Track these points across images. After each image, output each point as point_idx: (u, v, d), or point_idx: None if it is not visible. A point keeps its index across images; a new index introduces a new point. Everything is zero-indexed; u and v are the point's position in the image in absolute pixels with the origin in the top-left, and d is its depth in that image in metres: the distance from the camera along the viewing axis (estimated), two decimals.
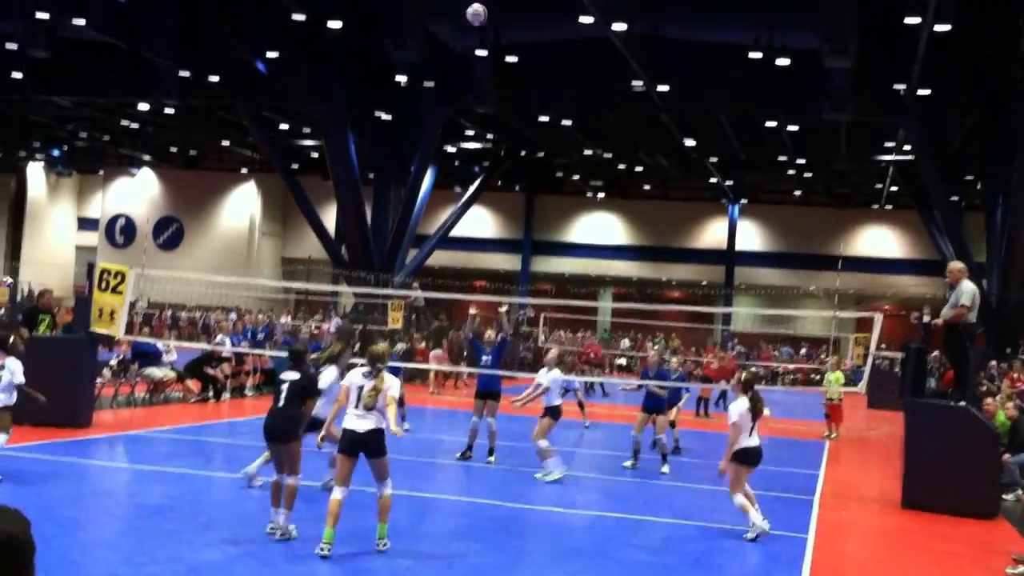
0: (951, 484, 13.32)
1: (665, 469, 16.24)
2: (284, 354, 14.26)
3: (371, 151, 42.14)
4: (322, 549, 9.34)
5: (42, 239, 59.28)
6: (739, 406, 11.64)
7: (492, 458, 15.79)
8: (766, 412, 11.77)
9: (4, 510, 2.46)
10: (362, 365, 10.24)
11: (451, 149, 46.11)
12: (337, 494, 9.56)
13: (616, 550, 10.66)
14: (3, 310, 37.14)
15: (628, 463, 16.55)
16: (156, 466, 14.11)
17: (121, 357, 21.47)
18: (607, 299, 54.18)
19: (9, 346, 12.94)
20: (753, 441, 11.64)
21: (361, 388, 9.66)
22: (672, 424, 18.76)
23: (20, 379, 12.25)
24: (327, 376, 11.85)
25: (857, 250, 52.36)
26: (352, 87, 36.02)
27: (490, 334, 17.50)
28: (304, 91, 36.31)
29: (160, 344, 22.32)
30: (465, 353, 30.60)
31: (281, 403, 10.14)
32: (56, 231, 60.58)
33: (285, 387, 10.17)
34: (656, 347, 42.09)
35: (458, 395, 28.81)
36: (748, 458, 11.64)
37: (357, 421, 9.57)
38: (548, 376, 15.12)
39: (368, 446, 9.58)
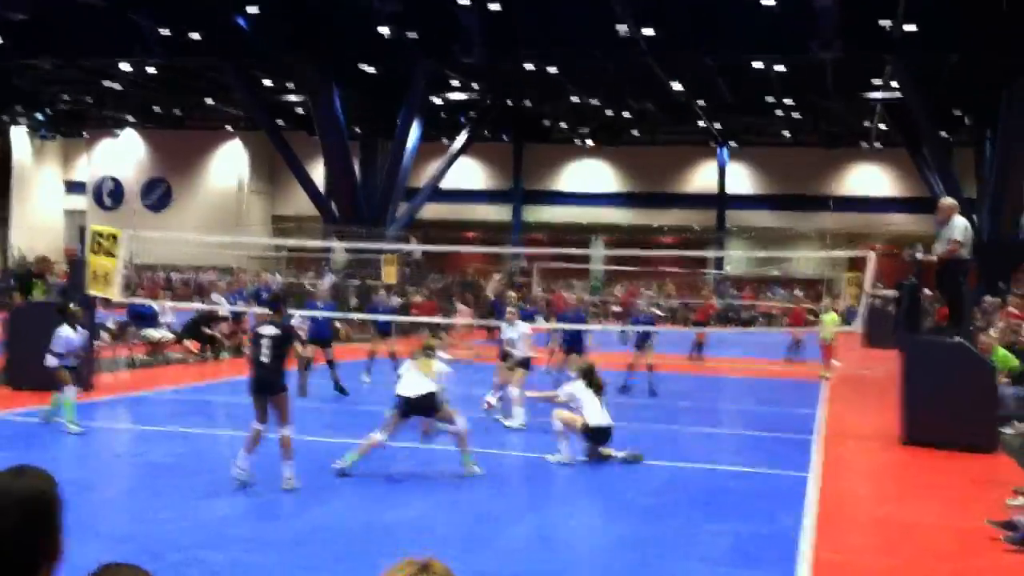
0: (949, 419, 13.42)
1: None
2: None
3: (357, 105, 41.88)
4: (343, 463, 10.84)
5: (29, 203, 58.95)
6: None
7: None
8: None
9: (31, 468, 2.50)
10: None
11: (437, 100, 45.81)
12: (377, 436, 10.97)
13: (620, 493, 10.78)
14: None
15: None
16: (160, 426, 14.21)
17: (118, 320, 21.50)
18: (599, 247, 54.16)
19: (68, 313, 13.85)
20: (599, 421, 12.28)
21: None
22: (650, 367, 19.17)
23: (54, 346, 13.38)
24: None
25: (848, 190, 52.41)
26: (335, 41, 35.70)
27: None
28: (287, 47, 35.96)
29: (155, 305, 22.35)
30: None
31: (265, 358, 10.36)
32: (43, 195, 60.25)
33: (265, 342, 10.40)
34: (649, 292, 42.26)
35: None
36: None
37: (410, 389, 10.95)
38: (515, 329, 15.96)
39: (422, 408, 10.99)
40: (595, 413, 12.26)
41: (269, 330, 10.53)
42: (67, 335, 13.46)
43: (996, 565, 8.42)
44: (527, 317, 18.45)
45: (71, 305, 14.28)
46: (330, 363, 17.87)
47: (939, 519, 10.05)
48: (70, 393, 13.30)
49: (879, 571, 8.34)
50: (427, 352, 11.34)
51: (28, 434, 13.11)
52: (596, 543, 8.83)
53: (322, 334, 18.37)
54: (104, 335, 20.27)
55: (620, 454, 12.30)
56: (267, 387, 10.41)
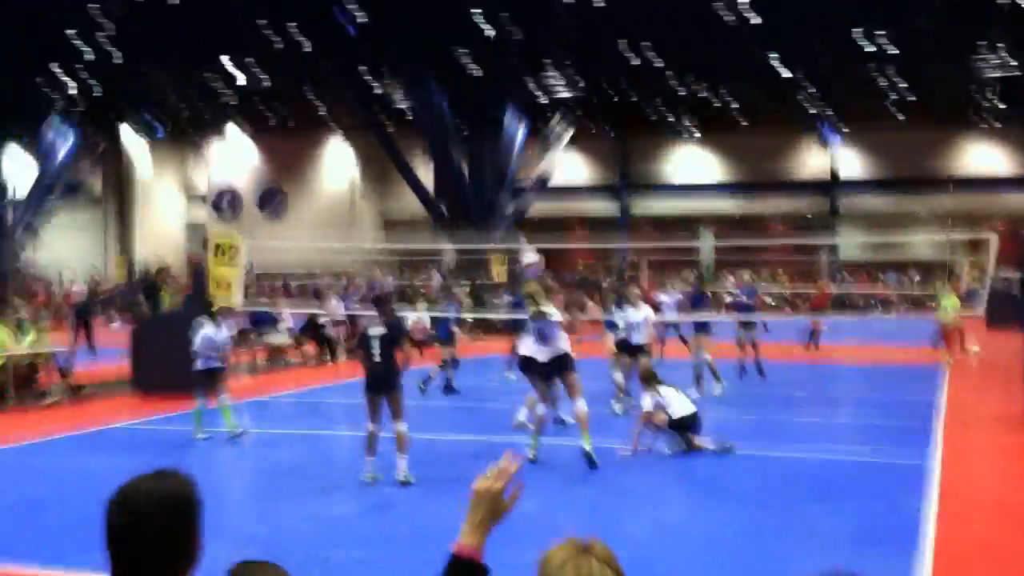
0: None
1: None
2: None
3: (463, 105, 42.21)
4: (529, 453, 11.20)
5: (150, 216, 60.68)
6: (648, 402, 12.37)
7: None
8: None
9: (174, 472, 2.61)
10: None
11: (542, 99, 45.89)
12: (540, 410, 11.60)
13: (736, 483, 10.72)
14: (123, 284, 38.38)
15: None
16: (282, 428, 14.56)
17: (239, 327, 22.07)
18: (708, 237, 53.56)
19: (214, 312, 13.99)
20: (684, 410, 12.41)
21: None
22: (753, 346, 19.20)
23: (196, 347, 13.32)
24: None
25: (965, 170, 50.87)
26: (440, 43, 36.08)
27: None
28: (393, 52, 36.45)
29: (277, 310, 22.88)
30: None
31: (377, 358, 10.70)
32: (163, 206, 61.90)
33: (376, 342, 10.73)
34: (745, 277, 41.74)
35: None
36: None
37: (538, 352, 11.42)
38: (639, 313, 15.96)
39: (558, 368, 11.39)
40: (678, 405, 12.38)
41: (377, 330, 10.81)
42: (206, 332, 13.49)
43: None
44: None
45: (216, 305, 14.57)
46: (454, 362, 18.20)
47: None
48: (200, 403, 13.41)
49: (1003, 556, 8.16)
50: (536, 300, 11.65)
51: (157, 440, 13.57)
52: (714, 533, 8.79)
53: (442, 334, 18.78)
54: None
55: (711, 446, 12.25)
56: (381, 385, 10.71)
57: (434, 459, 11.85)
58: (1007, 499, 9.95)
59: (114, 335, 26.30)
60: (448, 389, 17.93)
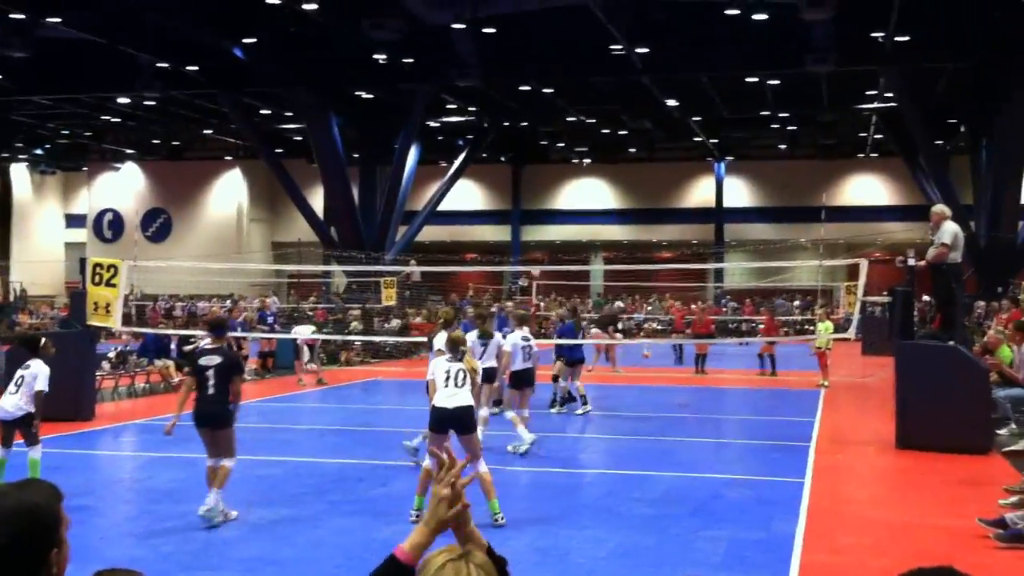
0: (944, 422, 13.49)
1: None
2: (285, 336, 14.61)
3: (355, 131, 42.12)
4: (412, 516, 9.67)
5: (30, 238, 59.20)
6: (513, 338, 14.30)
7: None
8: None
9: (34, 482, 2.56)
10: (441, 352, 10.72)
11: (435, 124, 46.05)
12: (428, 463, 9.54)
13: (618, 504, 10.89)
14: None
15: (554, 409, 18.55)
16: (162, 452, 14.27)
17: (119, 350, 21.64)
18: (598, 263, 54.29)
19: (40, 348, 11.48)
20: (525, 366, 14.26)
21: (448, 371, 9.81)
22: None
23: (43, 386, 10.97)
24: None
25: (845, 199, 52.53)
26: (332, 68, 35.94)
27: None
28: (284, 76, 36.17)
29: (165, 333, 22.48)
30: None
31: (210, 390, 9.94)
32: (44, 229, 60.50)
33: (210, 372, 9.93)
34: (649, 307, 42.38)
35: None
36: (521, 381, 14.27)
37: (448, 399, 9.69)
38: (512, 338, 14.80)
39: (459, 423, 9.71)
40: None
41: (213, 359, 10.05)
42: (45, 372, 11.09)
43: (985, 562, 8.52)
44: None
45: (42, 340, 11.84)
46: None
47: (932, 520, 10.17)
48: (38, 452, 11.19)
49: (870, 571, 8.45)
50: (459, 348, 10.12)
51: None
52: (593, 554, 8.92)
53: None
54: (105, 365, 20.42)
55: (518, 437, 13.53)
56: (210, 421, 10.02)
57: (314, 483, 11.82)
58: (874, 518, 10.29)
59: None
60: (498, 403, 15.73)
